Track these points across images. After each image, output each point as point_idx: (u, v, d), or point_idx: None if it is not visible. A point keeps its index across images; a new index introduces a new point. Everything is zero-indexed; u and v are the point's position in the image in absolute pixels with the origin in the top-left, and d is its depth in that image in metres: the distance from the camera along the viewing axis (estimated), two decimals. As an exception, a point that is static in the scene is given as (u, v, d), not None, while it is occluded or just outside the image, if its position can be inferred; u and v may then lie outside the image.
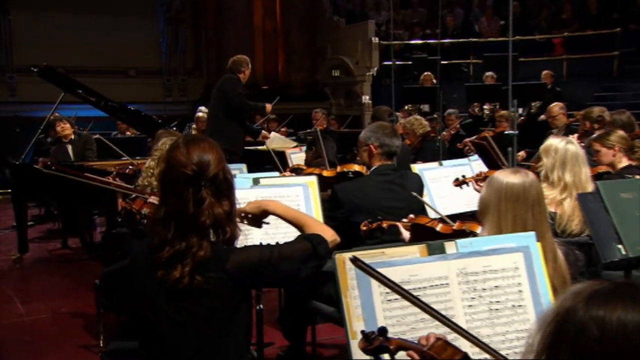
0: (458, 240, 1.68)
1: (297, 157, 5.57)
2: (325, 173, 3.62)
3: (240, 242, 1.86)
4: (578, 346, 0.82)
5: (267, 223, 2.07)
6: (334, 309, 3.07)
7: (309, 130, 8.45)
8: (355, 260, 1.35)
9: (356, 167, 3.53)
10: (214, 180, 1.72)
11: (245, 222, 2.01)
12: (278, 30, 13.41)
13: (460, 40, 11.33)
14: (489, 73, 9.19)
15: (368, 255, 1.63)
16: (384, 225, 2.75)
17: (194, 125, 8.59)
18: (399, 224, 2.71)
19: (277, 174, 3.84)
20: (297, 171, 4.21)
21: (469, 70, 11.41)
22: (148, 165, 3.12)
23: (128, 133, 8.09)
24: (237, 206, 1.85)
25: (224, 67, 6.50)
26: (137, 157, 6.16)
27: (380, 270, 1.63)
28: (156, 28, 13.17)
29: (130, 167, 5.33)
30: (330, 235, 1.87)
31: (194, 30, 13.48)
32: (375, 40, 11.46)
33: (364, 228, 2.77)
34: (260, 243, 1.81)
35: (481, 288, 1.63)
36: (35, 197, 6.47)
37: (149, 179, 3.06)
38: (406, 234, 2.69)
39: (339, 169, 3.63)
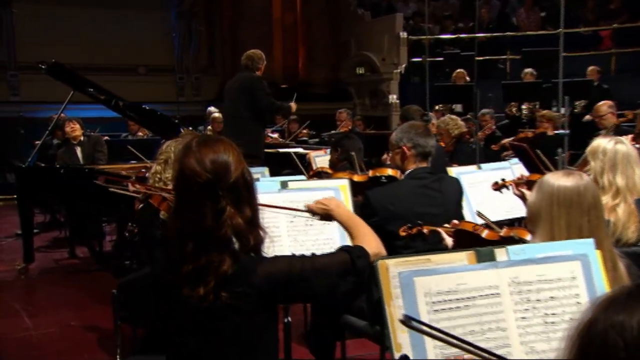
0: (509, 247, 1.68)
1: (322, 160, 5.60)
2: (357, 178, 3.64)
3: (268, 249, 1.83)
4: (605, 357, 0.84)
5: (331, 220, 2.12)
6: (365, 322, 3.08)
7: (333, 132, 8.48)
8: (406, 321, 1.32)
9: (389, 172, 3.54)
10: (233, 187, 1.68)
11: (316, 217, 2.09)
12: (298, 24, 13.49)
13: (496, 34, 11.28)
14: (528, 70, 9.14)
15: (413, 262, 1.64)
16: (425, 230, 2.75)
17: (209, 127, 8.70)
18: (441, 229, 2.72)
19: (304, 177, 3.87)
20: (320, 175, 4.24)
21: (505, 67, 11.36)
22: (154, 170, 3.17)
23: (140, 134, 8.19)
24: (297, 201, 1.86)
25: (239, 65, 6.56)
26: (150, 161, 6.28)
27: (426, 278, 1.65)
28: (168, 23, 13.32)
29: (143, 170, 5.41)
30: (373, 246, 1.85)
31: (208, 24, 13.61)
32: (404, 34, 11.47)
33: (404, 233, 2.77)
34: (293, 254, 1.78)
35: (535, 299, 1.63)
36: (43, 202, 6.58)
37: (157, 185, 3.11)
38: (449, 241, 2.70)
39: (371, 173, 3.64)
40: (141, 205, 3.14)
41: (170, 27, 13.31)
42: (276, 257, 1.74)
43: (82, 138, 6.42)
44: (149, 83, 12.55)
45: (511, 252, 1.66)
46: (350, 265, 1.76)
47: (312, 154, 5.89)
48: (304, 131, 9.51)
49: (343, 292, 1.76)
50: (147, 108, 6.25)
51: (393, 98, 11.54)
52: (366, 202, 3.17)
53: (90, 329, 4.50)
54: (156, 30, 13.03)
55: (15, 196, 6.15)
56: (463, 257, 1.67)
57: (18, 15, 11.56)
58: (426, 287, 1.60)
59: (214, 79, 13.47)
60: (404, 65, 11.56)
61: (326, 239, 2.89)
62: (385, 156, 6.27)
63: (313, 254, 1.77)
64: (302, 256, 1.76)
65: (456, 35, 11.80)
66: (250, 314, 1.67)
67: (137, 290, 2.59)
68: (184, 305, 1.68)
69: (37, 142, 6.69)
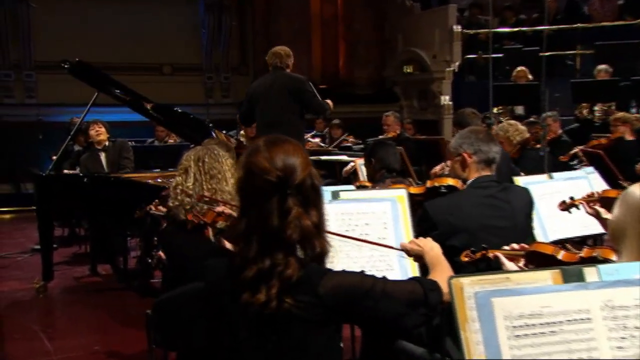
0: (601, 266, 1.66)
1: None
2: (412, 189, 3.63)
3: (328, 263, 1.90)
4: None
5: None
6: (423, 350, 3.07)
7: (381, 138, 8.48)
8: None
9: (450, 181, 3.53)
10: (300, 188, 1.77)
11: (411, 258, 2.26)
12: (339, 18, 13.57)
13: (565, 26, 11.14)
14: (602, 67, 9.00)
15: (490, 282, 1.64)
16: (490, 255, 2.72)
17: (241, 132, 8.79)
18: (503, 253, 2.68)
19: (352, 187, 3.89)
20: (362, 190, 4.25)
21: (575, 64, 11.21)
22: (176, 183, 3.22)
23: (171, 141, 8.32)
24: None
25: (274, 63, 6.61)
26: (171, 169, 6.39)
27: (506, 299, 1.64)
28: (195, 17, 13.49)
29: (172, 180, 5.49)
30: (445, 287, 1.89)
31: (239, 19, 13.75)
32: (457, 28, 11.42)
33: (466, 259, 2.75)
34: (362, 271, 1.84)
35: (633, 326, 1.61)
36: (64, 214, 6.73)
37: (180, 197, 3.15)
38: (510, 266, 2.66)
39: (429, 183, 3.64)
40: (165, 225, 3.19)
41: (198, 22, 13.49)
42: (345, 271, 1.82)
43: (107, 143, 6.54)
44: (174, 83, 12.76)
45: (603, 272, 1.65)
46: (422, 296, 1.83)
47: (359, 162, 5.89)
48: (350, 138, 9.53)
49: (411, 324, 1.82)
50: (179, 110, 6.34)
51: (445, 99, 11.48)
52: (424, 214, 3.17)
53: (117, 354, 4.59)
54: (182, 26, 13.23)
55: (33, 207, 6.29)
56: (547, 277, 1.66)
57: (35, 11, 11.85)
58: (506, 309, 1.60)
59: (246, 79, 13.59)
60: (457, 63, 11.49)
61: (382, 256, 2.90)
62: (437, 168, 6.25)
63: (384, 277, 1.84)
64: (373, 275, 1.82)
65: (518, 29, 11.70)
66: (315, 326, 1.73)
67: (176, 310, 2.63)
68: (242, 313, 1.75)
69: (53, 155, 6.85)
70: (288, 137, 1.89)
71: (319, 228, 1.80)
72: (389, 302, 1.77)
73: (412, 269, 2.82)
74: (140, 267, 6.45)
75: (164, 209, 4.67)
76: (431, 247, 2.17)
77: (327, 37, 13.64)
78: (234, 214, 2.49)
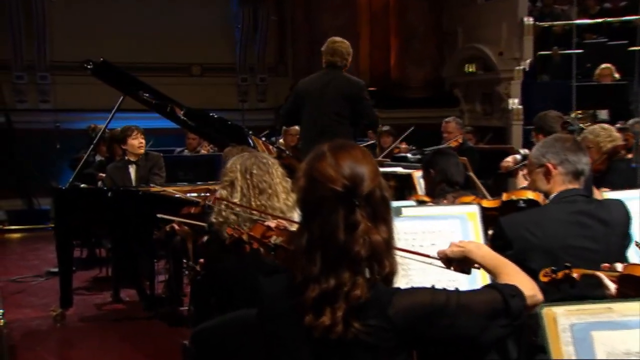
0: None
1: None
2: (485, 203, 3.62)
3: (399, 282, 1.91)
4: None
5: (478, 268, 2.14)
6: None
7: (443, 146, 8.44)
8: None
9: (529, 194, 3.50)
10: (369, 199, 1.79)
11: (452, 268, 2.13)
12: (390, 10, 13.58)
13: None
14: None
15: (589, 312, 1.63)
16: (575, 275, 2.68)
17: (281, 140, 8.86)
18: (600, 273, 2.65)
19: (412, 202, 3.88)
20: (422, 205, 4.23)
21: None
22: (219, 196, 3.24)
23: (204, 151, 8.42)
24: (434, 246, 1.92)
25: (316, 62, 6.64)
26: (213, 182, 6.46)
27: (608, 333, 1.62)
28: (227, 12, 13.68)
29: (206, 194, 5.55)
30: (528, 287, 1.88)
31: (277, 13, 13.88)
32: (529, 20, 11.34)
33: (545, 279, 2.71)
34: (433, 286, 1.85)
35: None
36: (84, 233, 6.85)
37: (224, 213, 3.17)
38: (612, 287, 2.63)
39: (505, 197, 3.62)
40: (206, 238, 3.22)
41: (231, 18, 13.66)
42: (414, 288, 1.82)
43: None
44: (204, 86, 12.92)
45: None
46: (502, 305, 1.81)
47: (417, 174, 5.88)
48: (403, 146, 9.51)
49: (493, 338, 1.81)
50: (215, 116, 6.42)
51: (513, 103, 11.38)
52: (498, 231, 3.15)
53: (144, 391, 4.64)
54: (213, 22, 13.41)
55: (47, 225, 6.42)
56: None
57: (51, 5, 12.12)
58: (609, 344, 1.58)
59: (284, 80, 13.70)
60: (528, 61, 11.41)
61: (450, 281, 2.88)
62: (509, 160, 6.18)
63: (456, 289, 1.84)
64: (444, 289, 1.82)
65: (602, 19, 11.55)
66: (385, 354, 1.74)
67: (219, 340, 2.65)
68: (304, 338, 1.77)
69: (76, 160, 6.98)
70: (355, 143, 1.91)
71: (389, 245, 1.81)
72: (467, 316, 1.77)
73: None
74: (168, 292, 6.53)
75: (187, 229, 4.74)
76: (477, 246, 2.11)
77: (376, 33, 13.66)
78: (290, 226, 2.49)
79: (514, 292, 1.83)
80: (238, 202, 3.09)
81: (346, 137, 6.19)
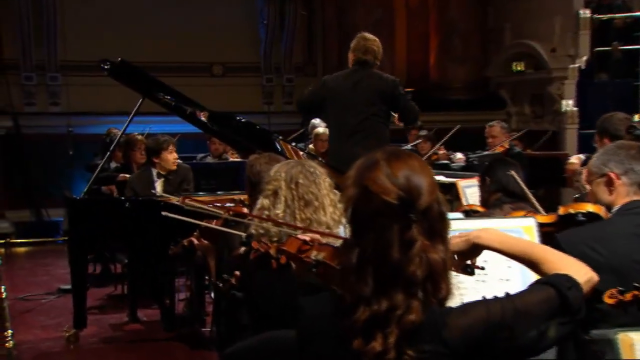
0: None
1: (473, 192, 5.56)
2: (541, 218, 3.60)
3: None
4: None
5: (481, 268, 2.09)
6: None
7: (485, 153, 8.42)
8: None
9: (590, 207, 3.48)
10: (427, 214, 1.77)
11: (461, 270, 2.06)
12: (429, 4, 13.57)
13: None
14: None
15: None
16: (645, 296, 2.66)
17: (310, 145, 8.88)
18: None
19: (460, 214, 3.87)
20: (470, 215, 4.21)
21: None
22: (261, 205, 3.24)
23: (232, 158, 8.46)
24: None
25: (348, 61, 6.66)
26: (237, 192, 6.48)
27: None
28: (252, 7, 13.73)
29: (231, 204, 5.57)
30: (582, 274, 1.86)
31: (306, 8, 13.86)
32: (585, 13, 11.27)
33: (611, 301, 2.69)
34: (484, 297, 1.83)
35: None
36: (99, 247, 6.91)
37: (265, 224, 3.17)
38: None
39: (562, 210, 3.60)
40: (243, 249, 3.23)
41: (255, 13, 13.69)
42: (467, 305, 1.80)
43: None
44: (226, 87, 12.99)
45: None
46: (557, 301, 1.79)
47: (461, 183, 5.86)
48: (441, 152, 9.49)
49: (553, 339, 1.79)
50: (242, 120, 6.45)
51: (567, 105, 11.31)
52: (555, 247, 3.13)
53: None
54: (236, 18, 13.47)
55: (58, 238, 6.46)
56: None
57: (63, 1, 12.24)
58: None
59: (313, 81, 13.59)
60: (584, 58, 11.33)
61: (500, 280, 2.86)
62: (574, 162, 6.13)
63: (507, 293, 1.81)
64: (496, 298, 1.80)
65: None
66: None
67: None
68: None
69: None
70: (411, 152, 1.90)
71: (447, 266, 1.79)
72: (525, 323, 1.75)
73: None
74: (189, 311, 6.57)
75: (208, 244, 4.76)
76: (486, 230, 2.03)
77: (414, 29, 13.66)
78: (332, 241, 2.48)
79: (569, 283, 1.81)
80: (281, 214, 3.07)
81: (380, 138, 6.21)
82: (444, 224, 1.82)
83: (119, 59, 6.27)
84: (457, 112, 12.35)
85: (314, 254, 2.27)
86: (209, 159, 8.53)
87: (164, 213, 4.12)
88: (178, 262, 6.13)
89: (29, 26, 12.06)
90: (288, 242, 2.57)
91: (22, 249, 10.86)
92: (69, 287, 6.79)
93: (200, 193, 6.62)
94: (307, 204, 3.10)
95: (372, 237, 1.77)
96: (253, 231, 3.13)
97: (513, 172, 4.45)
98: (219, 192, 6.67)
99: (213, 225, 4.18)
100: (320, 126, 8.93)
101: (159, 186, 6.45)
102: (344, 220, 1.93)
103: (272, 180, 3.19)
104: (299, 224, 3.03)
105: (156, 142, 6.65)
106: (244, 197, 5.73)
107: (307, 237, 2.64)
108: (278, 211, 3.10)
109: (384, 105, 6.25)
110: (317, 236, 2.65)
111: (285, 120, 12.71)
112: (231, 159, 8.48)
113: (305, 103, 6.80)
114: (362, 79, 6.30)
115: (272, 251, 2.61)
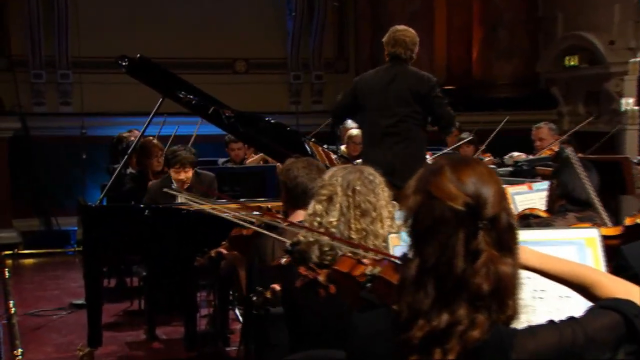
0: None
1: (525, 199, 5.54)
2: (604, 230, 3.56)
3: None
4: None
5: None
6: None
7: (534, 157, 8.39)
8: None
9: (661, 218, 3.45)
10: (495, 224, 1.79)
11: None
12: (472, -8, 13.55)
13: None
14: None
15: None
16: None
17: (343, 148, 8.89)
18: None
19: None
20: (528, 221, 4.18)
21: None
22: (313, 211, 3.22)
23: (249, 162, 8.50)
24: None
25: (382, 57, 6.66)
26: (262, 199, 6.50)
27: None
28: (278, -1, 13.77)
29: (256, 213, 5.59)
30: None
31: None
32: (650, 1, 11.20)
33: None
34: (552, 320, 1.83)
35: None
36: (119, 259, 6.95)
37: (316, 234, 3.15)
38: None
39: (628, 221, 3.56)
40: (284, 259, 3.21)
41: (282, 5, 13.75)
42: (536, 327, 1.81)
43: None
44: (250, 85, 13.06)
45: None
46: (624, 328, 1.80)
47: (510, 190, 5.84)
48: (487, 158, 9.46)
49: None
50: (271, 121, 6.47)
51: (628, 103, 11.20)
52: (622, 262, 3.10)
53: None
54: (262, 11, 13.56)
55: (74, 249, 6.49)
56: None
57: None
58: None
59: (345, 78, 13.62)
60: (648, 51, 11.25)
61: (560, 298, 2.84)
62: None
63: (572, 317, 1.83)
64: (567, 321, 1.81)
65: None
66: None
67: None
68: None
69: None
70: (477, 159, 1.90)
71: (516, 281, 1.81)
72: (595, 350, 1.77)
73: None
74: (212, 329, 6.60)
75: (237, 254, 4.77)
76: (523, 250, 1.95)
77: (455, 20, 13.64)
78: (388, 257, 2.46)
79: (635, 310, 1.82)
80: (335, 222, 3.06)
81: (415, 141, 6.26)
82: (513, 235, 1.84)
83: (138, 55, 6.32)
84: (503, 111, 12.18)
85: (369, 270, 2.25)
86: (229, 164, 8.57)
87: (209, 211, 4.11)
88: (202, 275, 6.14)
89: (39, 19, 12.08)
90: (340, 261, 2.53)
91: (30, 261, 10.88)
92: (82, 301, 6.85)
93: (222, 201, 6.63)
94: (363, 214, 3.08)
95: (434, 247, 1.79)
96: (301, 238, 3.08)
97: (582, 176, 4.39)
98: (241, 200, 6.68)
99: (269, 232, 4.13)
100: (353, 127, 8.96)
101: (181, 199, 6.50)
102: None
103: (327, 184, 3.19)
104: (353, 235, 3.03)
105: (170, 154, 6.77)
106: (271, 204, 5.76)
107: (359, 251, 2.61)
108: (332, 219, 3.08)
109: (418, 105, 6.28)
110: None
111: (314, 121, 12.61)
112: (248, 163, 8.53)
113: (338, 110, 6.86)
114: (395, 76, 6.34)
115: (321, 278, 2.55)
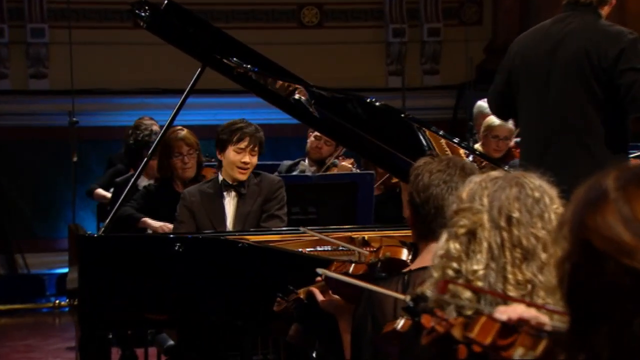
0: None
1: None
2: None
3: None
4: None
5: None
6: None
7: None
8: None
9: None
10: None
11: None
12: None
13: None
14: None
15: None
16: None
17: (477, 146, 8.94)
18: None
19: None
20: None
21: None
22: (446, 250, 3.19)
23: (339, 168, 8.59)
24: None
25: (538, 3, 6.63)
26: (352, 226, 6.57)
27: None
28: None
29: (341, 249, 5.71)
30: None
31: None
32: None
33: None
34: None
35: None
36: (133, 320, 7.14)
37: (451, 287, 3.07)
38: None
39: None
40: (401, 323, 3.32)
41: None
42: None
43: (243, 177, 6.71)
44: (325, 45, 13.37)
45: None
46: None
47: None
48: None
49: None
50: (375, 102, 6.29)
51: None
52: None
53: None
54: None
55: (64, 304, 6.56)
56: None
57: None
58: None
59: (479, 33, 13.68)
60: None
61: None
62: None
63: None
64: None
65: None
66: None
67: None
68: None
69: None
70: None
71: None
72: None
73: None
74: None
75: (340, 299, 4.80)
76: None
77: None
78: (547, 320, 2.47)
79: None
80: (481, 271, 2.90)
81: (605, 137, 6.07)
82: None
83: (165, 0, 6.30)
84: None
85: (519, 352, 2.29)
86: (304, 166, 8.59)
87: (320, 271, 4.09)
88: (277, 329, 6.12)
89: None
90: (477, 324, 2.53)
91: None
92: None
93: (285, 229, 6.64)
94: (527, 257, 2.93)
95: (606, 332, 1.73)
96: (428, 292, 2.90)
97: None
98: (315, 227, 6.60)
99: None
100: (489, 112, 8.74)
101: (230, 207, 6.57)
102: None
103: (465, 210, 3.00)
104: (511, 290, 2.87)
105: (229, 125, 6.81)
106: (367, 233, 5.85)
107: (514, 316, 2.58)
108: (476, 266, 2.91)
109: (606, 78, 5.92)
110: (535, 313, 2.59)
111: (425, 101, 12.70)
112: (337, 170, 8.53)
113: (495, 100, 6.64)
114: (569, 34, 6.13)
115: (456, 332, 2.53)
